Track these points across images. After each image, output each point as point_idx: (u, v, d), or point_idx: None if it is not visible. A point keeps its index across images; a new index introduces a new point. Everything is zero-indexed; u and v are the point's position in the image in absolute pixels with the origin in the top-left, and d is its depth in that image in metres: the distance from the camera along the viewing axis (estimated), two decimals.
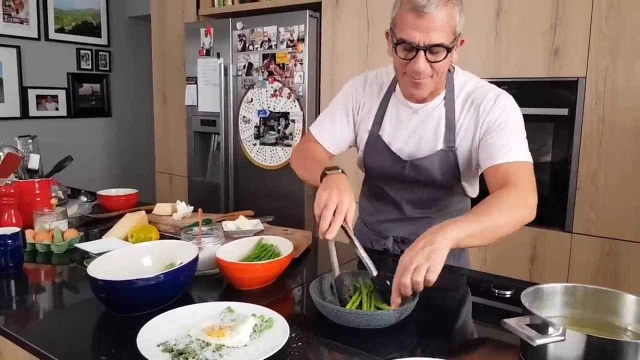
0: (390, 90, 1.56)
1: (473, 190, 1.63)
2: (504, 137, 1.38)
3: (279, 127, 3.30)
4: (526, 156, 1.36)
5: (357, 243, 1.20)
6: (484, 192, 1.60)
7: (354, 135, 1.66)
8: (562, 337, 0.82)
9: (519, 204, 1.25)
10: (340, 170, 1.33)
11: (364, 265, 1.19)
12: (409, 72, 1.35)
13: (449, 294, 1.34)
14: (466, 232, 1.13)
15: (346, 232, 1.20)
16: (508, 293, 1.27)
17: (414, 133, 1.51)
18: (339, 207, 1.19)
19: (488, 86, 1.47)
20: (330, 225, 1.17)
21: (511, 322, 0.87)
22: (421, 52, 1.29)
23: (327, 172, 1.31)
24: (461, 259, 1.67)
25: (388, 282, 1.15)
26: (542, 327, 0.85)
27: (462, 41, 1.37)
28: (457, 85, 1.48)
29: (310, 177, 1.45)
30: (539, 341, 0.82)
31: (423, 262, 1.06)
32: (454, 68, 1.50)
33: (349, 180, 1.29)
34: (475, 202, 1.60)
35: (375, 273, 1.18)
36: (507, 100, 1.43)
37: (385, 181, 1.62)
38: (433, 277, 1.05)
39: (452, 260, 1.59)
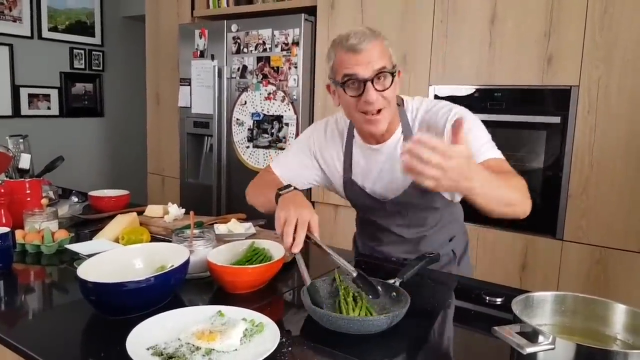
0: (350, 136, 1.58)
1: (458, 195, 1.61)
2: (475, 138, 1.35)
3: (273, 130, 3.29)
4: (500, 154, 1.38)
5: (328, 250, 1.24)
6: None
7: (317, 172, 1.66)
8: (552, 346, 0.82)
9: (526, 190, 1.25)
10: (292, 188, 1.37)
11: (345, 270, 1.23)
12: (361, 108, 1.36)
13: (440, 301, 1.34)
14: (484, 186, 1.06)
15: (315, 244, 1.25)
16: (499, 300, 1.28)
17: (381, 173, 1.53)
18: (299, 220, 1.23)
19: (437, 104, 1.47)
20: (294, 239, 1.21)
21: (501, 330, 0.87)
22: (369, 84, 1.32)
23: (280, 192, 1.36)
24: (461, 264, 1.68)
25: (367, 279, 1.21)
26: (532, 336, 0.85)
27: (400, 73, 1.40)
28: (410, 116, 1.49)
29: (265, 201, 1.49)
30: (529, 349, 0.82)
31: (445, 166, 0.95)
32: (402, 101, 1.51)
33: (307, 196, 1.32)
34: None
35: (355, 274, 1.22)
36: (461, 109, 1.44)
37: (372, 214, 1.64)
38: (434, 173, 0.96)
39: (454, 269, 1.63)
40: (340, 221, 3.14)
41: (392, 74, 1.34)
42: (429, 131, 1.43)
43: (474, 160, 1.06)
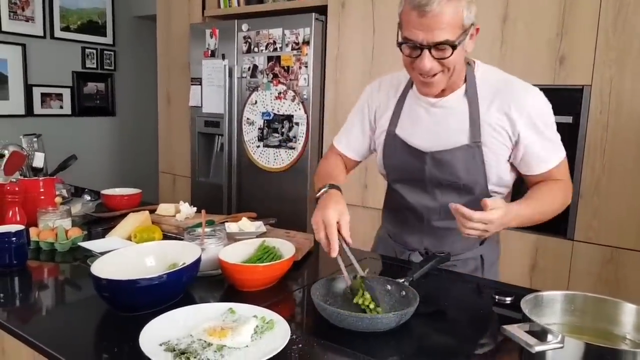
0: (407, 87, 1.52)
1: (504, 188, 1.52)
2: (549, 138, 1.39)
3: (283, 130, 3.31)
4: (564, 150, 1.43)
5: (346, 248, 1.26)
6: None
7: (372, 141, 1.64)
8: (561, 345, 0.83)
9: (568, 194, 1.45)
10: (326, 189, 1.38)
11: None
12: (416, 70, 1.32)
13: (449, 300, 1.34)
14: (522, 222, 1.33)
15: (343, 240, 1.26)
16: (508, 299, 1.28)
17: (434, 127, 1.45)
18: (326, 225, 1.25)
19: (513, 79, 1.42)
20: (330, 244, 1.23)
21: (510, 328, 0.88)
22: (425, 51, 1.26)
23: (317, 196, 1.38)
24: (489, 273, 1.59)
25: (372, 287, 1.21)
26: (541, 335, 0.86)
27: (478, 29, 1.33)
28: (478, 78, 1.42)
29: None
30: (538, 348, 0.82)
31: (488, 227, 1.22)
32: (474, 62, 1.45)
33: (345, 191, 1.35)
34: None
35: (360, 275, 1.23)
36: (538, 95, 1.39)
37: (406, 185, 1.55)
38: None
39: (480, 273, 1.57)
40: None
41: (454, 47, 1.25)
42: (500, 102, 1.38)
43: (509, 209, 1.26)
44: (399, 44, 1.31)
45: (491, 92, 1.40)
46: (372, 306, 1.15)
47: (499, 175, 1.44)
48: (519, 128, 1.37)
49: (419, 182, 1.51)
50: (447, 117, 1.43)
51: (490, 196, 1.47)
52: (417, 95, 1.48)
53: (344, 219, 1.27)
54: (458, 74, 1.37)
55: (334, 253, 1.23)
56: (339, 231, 1.26)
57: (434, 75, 1.31)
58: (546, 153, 1.40)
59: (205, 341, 0.96)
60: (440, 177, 1.46)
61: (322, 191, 1.38)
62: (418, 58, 1.29)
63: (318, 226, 1.26)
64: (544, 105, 1.39)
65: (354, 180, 3.08)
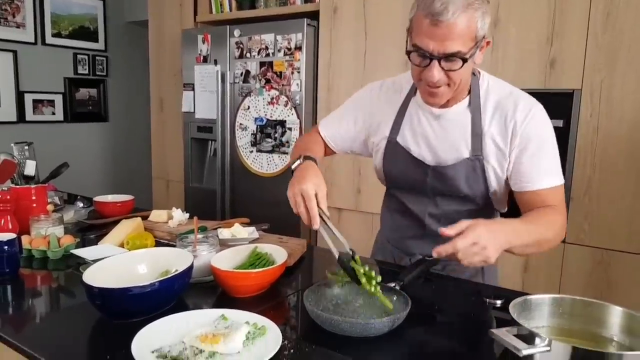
0: (410, 94, 1.49)
1: (502, 205, 1.52)
2: (542, 159, 1.34)
3: (276, 135, 3.31)
4: (561, 178, 1.37)
5: (328, 221, 1.26)
6: (515, 207, 1.49)
7: (360, 139, 1.61)
8: (548, 348, 0.84)
9: (562, 227, 1.33)
10: (300, 160, 1.36)
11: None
12: (424, 80, 1.28)
13: (440, 303, 1.35)
14: (519, 241, 1.22)
15: (320, 215, 1.25)
16: (499, 302, 1.29)
17: (436, 140, 1.43)
18: (304, 197, 1.24)
19: (518, 94, 1.39)
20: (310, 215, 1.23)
21: (498, 332, 0.89)
22: (435, 61, 1.22)
23: (292, 168, 1.36)
24: (487, 275, 1.59)
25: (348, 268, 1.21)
26: (529, 338, 0.87)
27: (488, 42, 1.29)
28: (482, 90, 1.39)
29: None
30: (525, 352, 0.83)
31: (466, 261, 1.14)
32: (479, 72, 1.42)
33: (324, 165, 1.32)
34: (505, 216, 1.54)
35: (337, 255, 1.21)
36: (540, 113, 1.36)
37: (406, 192, 1.55)
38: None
39: (480, 278, 1.56)
40: (343, 224, 3.15)
41: (465, 60, 1.21)
42: (501, 116, 1.35)
43: (494, 220, 1.25)
44: (408, 52, 1.27)
45: (494, 106, 1.37)
46: (372, 275, 1.17)
47: (500, 187, 1.43)
48: (516, 145, 1.35)
49: (420, 191, 1.50)
50: (449, 130, 1.41)
51: (493, 205, 1.50)
52: (420, 104, 1.45)
53: (321, 192, 1.25)
54: (464, 86, 1.35)
55: (316, 225, 1.22)
56: (317, 205, 1.25)
57: (439, 86, 1.28)
58: (537, 172, 1.35)
59: (197, 348, 0.96)
60: (442, 188, 1.46)
61: (296, 163, 1.35)
62: (426, 68, 1.25)
63: (296, 200, 1.24)
64: (544, 125, 1.36)
65: (347, 184, 3.09)
